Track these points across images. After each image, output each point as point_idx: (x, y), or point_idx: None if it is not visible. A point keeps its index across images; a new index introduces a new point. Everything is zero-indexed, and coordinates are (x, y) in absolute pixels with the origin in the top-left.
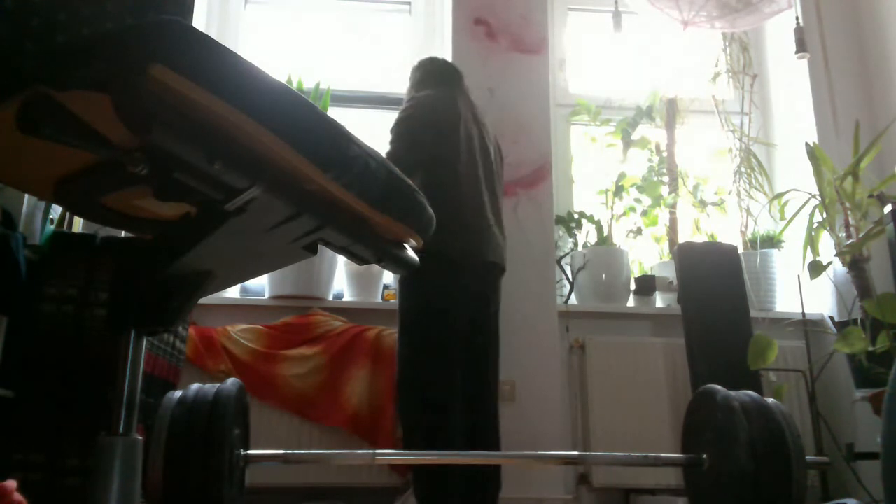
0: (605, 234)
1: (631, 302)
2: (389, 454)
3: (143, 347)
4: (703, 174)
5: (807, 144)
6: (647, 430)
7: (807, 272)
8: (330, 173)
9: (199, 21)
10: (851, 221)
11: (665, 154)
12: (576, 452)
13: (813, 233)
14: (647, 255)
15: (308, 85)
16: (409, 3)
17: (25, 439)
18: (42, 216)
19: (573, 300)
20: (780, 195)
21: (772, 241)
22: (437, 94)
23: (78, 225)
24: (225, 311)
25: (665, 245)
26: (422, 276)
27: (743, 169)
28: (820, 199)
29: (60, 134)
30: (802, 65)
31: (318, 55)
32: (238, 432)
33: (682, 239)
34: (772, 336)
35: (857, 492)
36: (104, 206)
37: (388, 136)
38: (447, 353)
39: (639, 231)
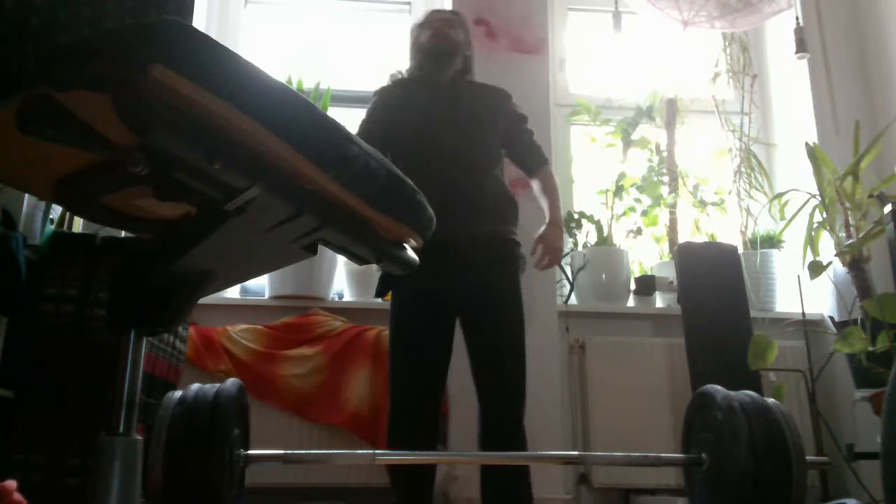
0: (605, 234)
1: (631, 302)
2: (389, 454)
3: (143, 347)
4: (703, 174)
5: (807, 144)
6: (647, 430)
7: (807, 272)
8: (330, 173)
9: (199, 21)
10: (851, 221)
11: (665, 154)
12: (576, 452)
13: (813, 233)
14: (647, 255)
15: (308, 85)
16: (409, 3)
17: (25, 439)
18: (42, 216)
19: (573, 300)
20: (780, 195)
21: (772, 241)
22: None
23: (78, 225)
24: (225, 311)
25: (665, 245)
26: None
27: (743, 169)
28: (820, 199)
29: (60, 134)
30: (802, 65)
31: (318, 55)
32: (238, 432)
33: (682, 239)
34: (772, 336)
35: (857, 492)
36: (104, 206)
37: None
38: None
39: (639, 231)
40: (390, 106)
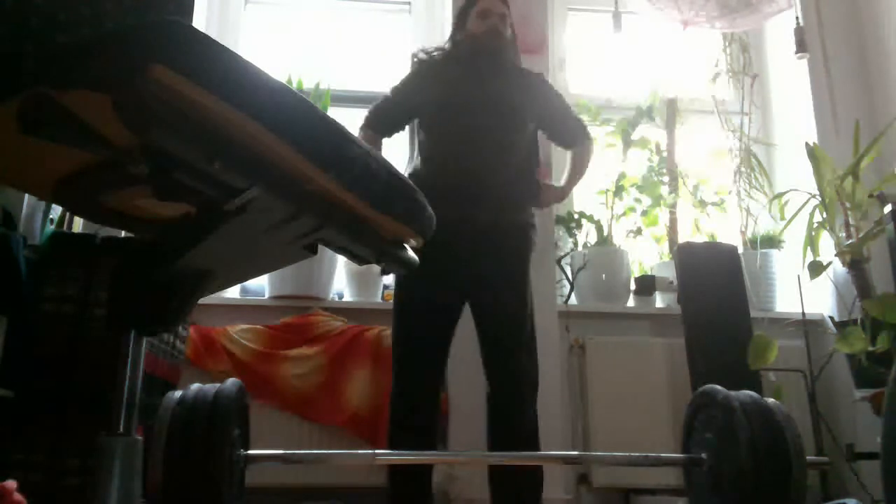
0: (605, 234)
1: (631, 302)
2: (389, 454)
3: (143, 347)
4: (703, 174)
5: (807, 144)
6: (647, 430)
7: (807, 272)
8: (330, 173)
9: (199, 21)
10: (851, 221)
11: (665, 154)
12: (576, 452)
13: (813, 233)
14: (647, 255)
15: (308, 85)
16: (409, 3)
17: (25, 439)
18: (42, 216)
19: (573, 300)
20: (780, 195)
21: (772, 241)
22: None
23: (78, 225)
24: (225, 311)
25: (665, 245)
26: None
27: (743, 169)
28: (820, 199)
29: (60, 134)
30: (802, 65)
31: (318, 55)
32: (238, 432)
33: (682, 239)
34: (772, 336)
35: (857, 492)
36: (104, 206)
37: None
38: None
39: (639, 231)
40: (426, 76)
